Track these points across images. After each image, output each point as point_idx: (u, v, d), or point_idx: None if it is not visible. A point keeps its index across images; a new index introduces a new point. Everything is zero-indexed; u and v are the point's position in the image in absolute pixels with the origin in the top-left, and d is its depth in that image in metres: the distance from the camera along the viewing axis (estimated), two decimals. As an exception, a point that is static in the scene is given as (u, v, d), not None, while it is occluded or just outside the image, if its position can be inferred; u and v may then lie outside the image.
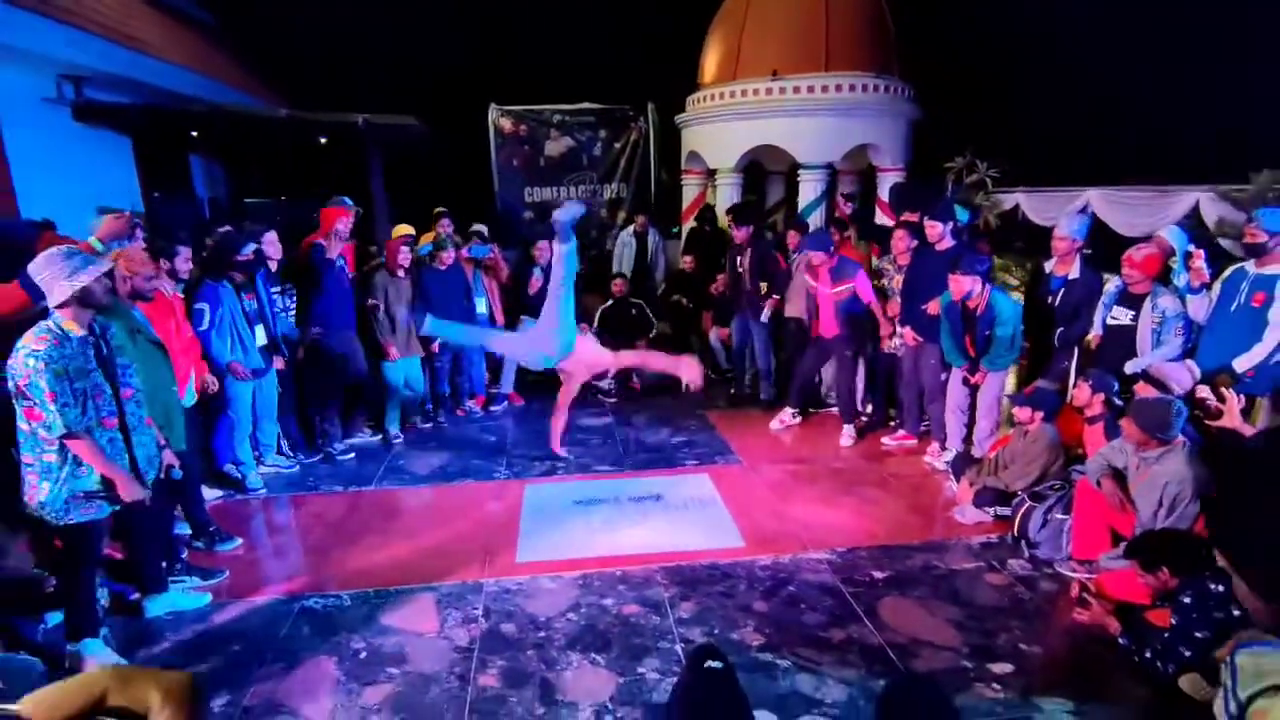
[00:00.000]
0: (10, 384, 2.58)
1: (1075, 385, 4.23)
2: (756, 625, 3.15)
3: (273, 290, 4.77)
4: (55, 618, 2.92)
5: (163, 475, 3.09)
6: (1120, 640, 2.89)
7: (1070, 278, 4.58)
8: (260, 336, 4.42)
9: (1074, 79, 8.63)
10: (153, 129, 7.42)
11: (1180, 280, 4.26)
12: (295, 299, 5.06)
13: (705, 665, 1.63)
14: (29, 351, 2.52)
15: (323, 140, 7.74)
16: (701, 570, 3.61)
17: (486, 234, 6.51)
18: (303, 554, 3.84)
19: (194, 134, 7.67)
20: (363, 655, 2.96)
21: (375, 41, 10.93)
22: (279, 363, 4.76)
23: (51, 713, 0.33)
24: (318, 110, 7.89)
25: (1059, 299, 4.62)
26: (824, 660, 2.91)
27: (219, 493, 4.48)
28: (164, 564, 3.33)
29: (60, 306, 2.61)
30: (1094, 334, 4.44)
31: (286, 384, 4.91)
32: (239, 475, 4.55)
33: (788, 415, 5.76)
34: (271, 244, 4.75)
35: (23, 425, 2.63)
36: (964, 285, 4.40)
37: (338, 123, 7.32)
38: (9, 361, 2.56)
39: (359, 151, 7.66)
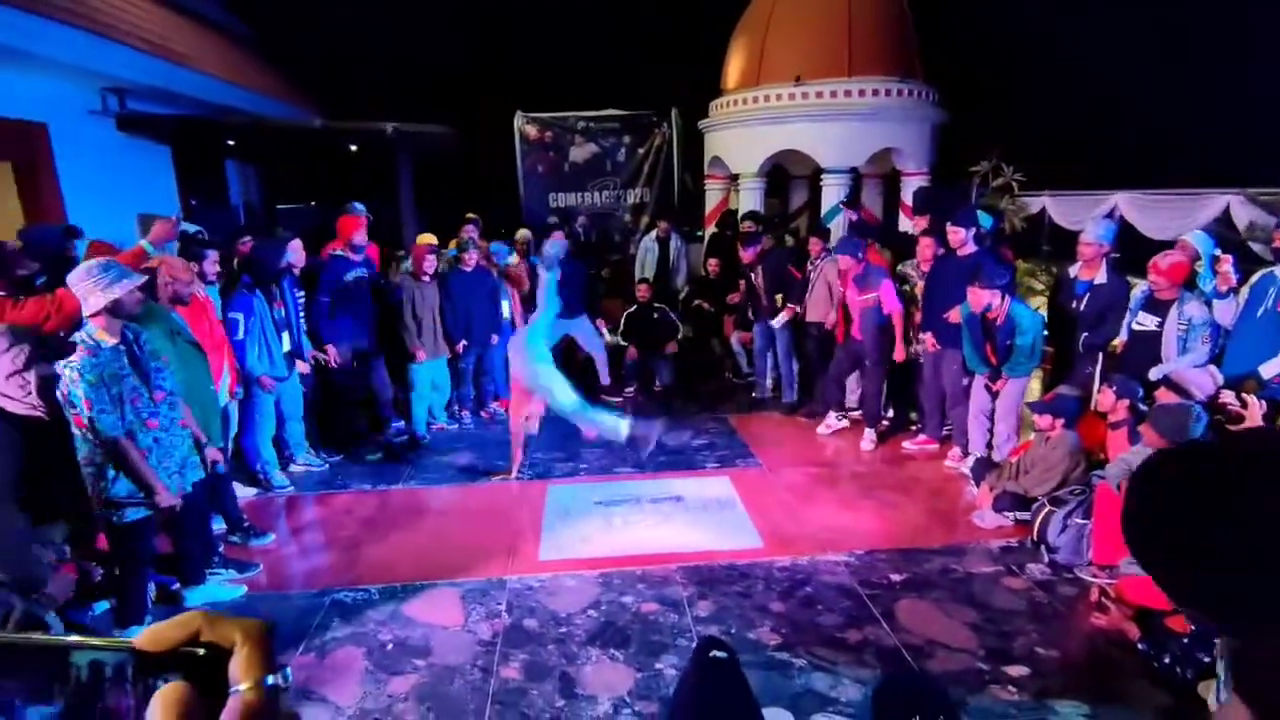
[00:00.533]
0: (59, 393, 2.71)
1: (1099, 391, 4.21)
2: (773, 625, 3.19)
3: (297, 296, 4.92)
4: (102, 605, 3.07)
5: (206, 472, 3.23)
6: (1139, 646, 2.88)
7: (1096, 282, 4.55)
8: (285, 343, 4.58)
9: (1102, 81, 8.54)
10: (191, 138, 7.70)
11: (1207, 285, 4.22)
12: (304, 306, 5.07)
13: (710, 655, 1.68)
14: (65, 362, 2.69)
15: (353, 148, 7.95)
16: (720, 570, 3.66)
17: (525, 239, 6.65)
18: (333, 549, 3.97)
19: (230, 142, 7.92)
20: (390, 647, 3.07)
21: (404, 51, 11.18)
22: (303, 367, 4.90)
23: (157, 642, 0.39)
24: (349, 118, 8.12)
25: (1084, 304, 4.59)
26: (840, 660, 2.94)
27: (253, 491, 4.64)
28: (202, 558, 3.48)
29: (93, 315, 2.76)
30: (1120, 339, 4.42)
31: (314, 387, 5.08)
32: (264, 474, 4.70)
33: (833, 420, 5.73)
34: (296, 251, 4.87)
35: (75, 431, 2.78)
36: (983, 299, 4.38)
37: (368, 131, 7.52)
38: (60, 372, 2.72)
39: (388, 158, 7.86)
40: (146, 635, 0.46)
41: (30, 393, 2.33)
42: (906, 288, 5.32)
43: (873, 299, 5.20)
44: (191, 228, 4.28)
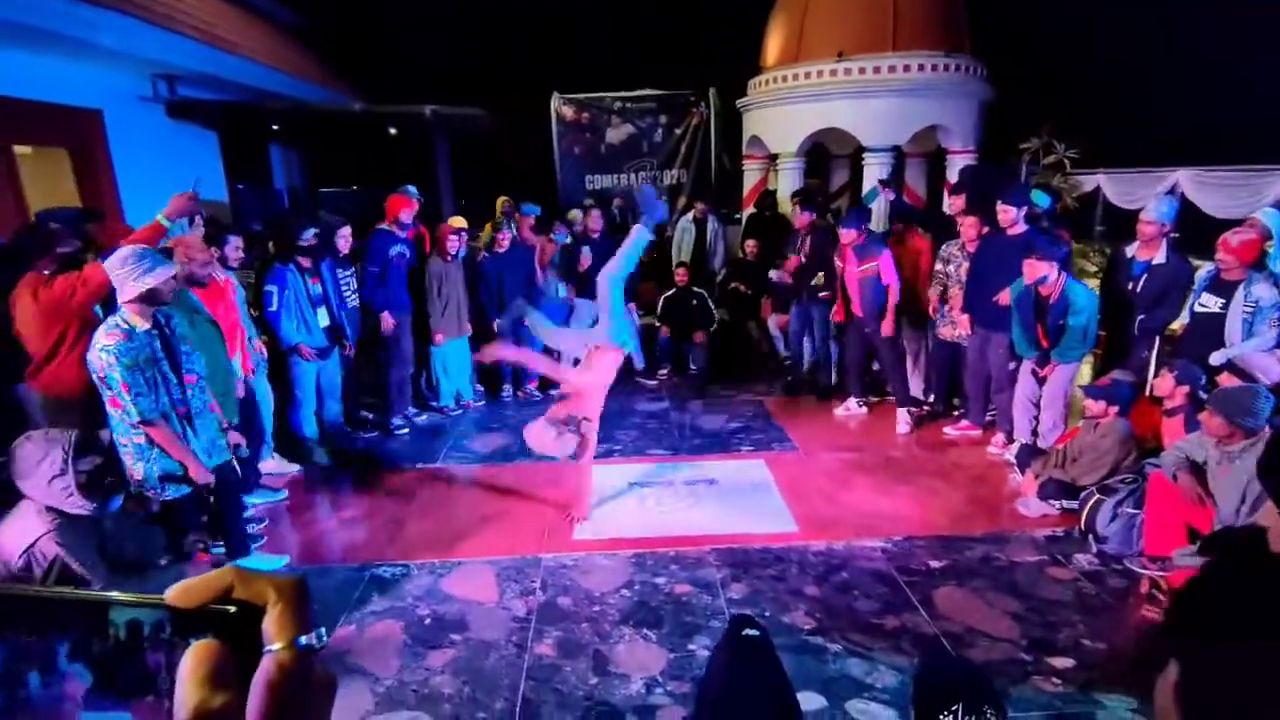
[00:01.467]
0: (93, 375, 2.82)
1: (1157, 375, 4.03)
2: (808, 609, 3.16)
3: (342, 276, 5.02)
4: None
5: (230, 455, 3.34)
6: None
7: (1155, 263, 4.35)
8: (323, 318, 4.66)
9: (1159, 54, 8.11)
10: (237, 123, 7.86)
11: (1276, 266, 3.99)
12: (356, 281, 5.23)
13: (743, 633, 1.66)
14: (102, 346, 2.75)
15: (393, 131, 8.03)
16: (754, 553, 3.63)
17: (575, 219, 6.64)
18: (373, 525, 4.05)
19: (275, 127, 8.07)
20: (427, 621, 3.13)
21: (444, 35, 11.22)
22: (348, 349, 5.05)
23: (187, 598, 0.39)
24: (388, 102, 8.19)
25: (1141, 285, 4.40)
26: (875, 646, 2.90)
27: (296, 468, 4.76)
28: (244, 532, 3.60)
29: (128, 302, 2.82)
30: (1179, 322, 4.22)
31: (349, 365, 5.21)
32: (308, 449, 4.83)
33: (853, 404, 5.68)
34: (344, 238, 5.00)
35: (112, 413, 2.89)
36: (1039, 269, 4.23)
37: (407, 114, 7.58)
38: (88, 355, 2.81)
39: (427, 141, 7.92)
40: (177, 591, 0.45)
41: (72, 493, 2.40)
42: (950, 268, 5.16)
43: (872, 269, 5.10)
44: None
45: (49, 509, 2.41)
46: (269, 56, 8.29)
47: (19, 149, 6.03)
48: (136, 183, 6.51)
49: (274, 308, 4.35)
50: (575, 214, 6.85)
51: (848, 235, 5.20)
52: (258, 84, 8.00)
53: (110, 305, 3.22)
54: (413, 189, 5.61)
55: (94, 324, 3.19)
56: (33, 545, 2.36)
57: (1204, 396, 3.58)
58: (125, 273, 2.77)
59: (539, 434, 3.70)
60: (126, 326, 2.81)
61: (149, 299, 2.83)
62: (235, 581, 0.46)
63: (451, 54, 11.13)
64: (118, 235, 3.55)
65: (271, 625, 0.45)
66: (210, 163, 8.13)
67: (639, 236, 4.07)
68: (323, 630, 0.47)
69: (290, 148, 9.70)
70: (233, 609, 0.46)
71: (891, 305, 5.14)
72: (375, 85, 10.59)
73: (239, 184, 8.30)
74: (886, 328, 5.17)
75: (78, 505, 2.44)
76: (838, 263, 5.41)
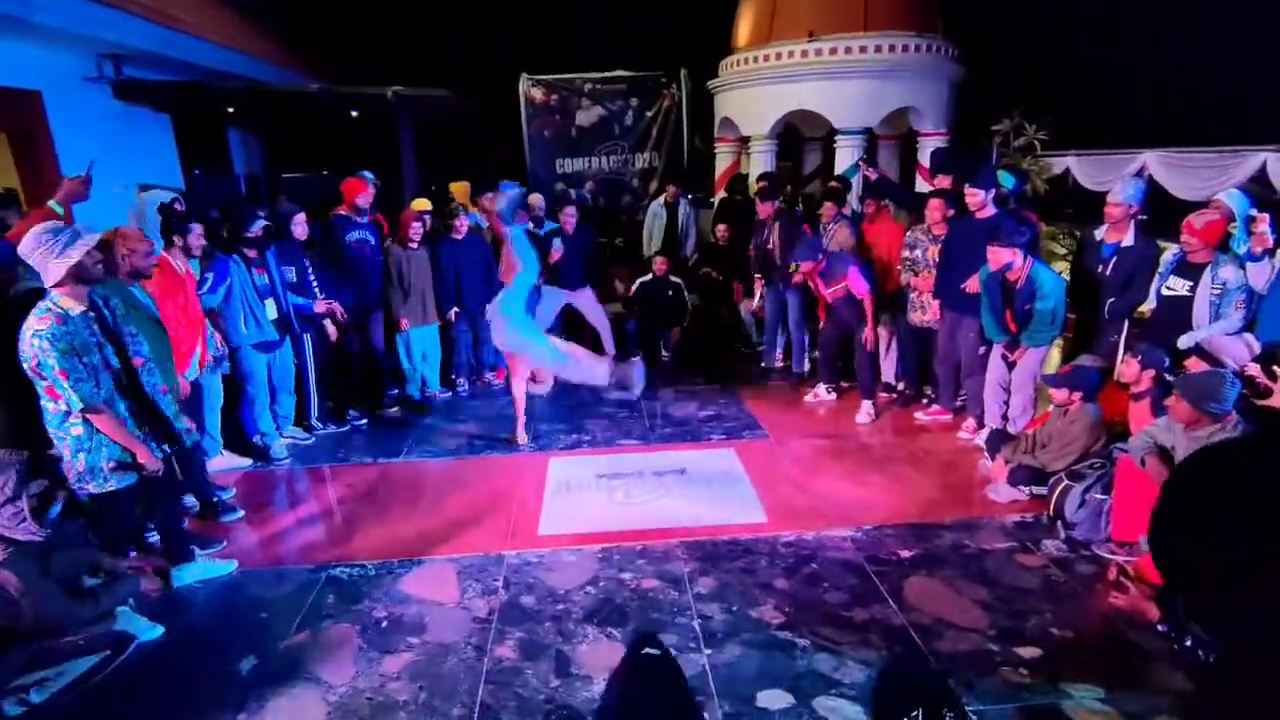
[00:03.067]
0: (24, 366, 2.63)
1: (1123, 360, 4.02)
2: (776, 603, 3.10)
3: (304, 264, 4.85)
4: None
5: (181, 442, 3.16)
6: (1159, 627, 2.76)
7: (1123, 245, 4.33)
8: (271, 310, 4.49)
9: (1129, 35, 8.10)
10: (190, 105, 7.55)
11: (1241, 247, 3.98)
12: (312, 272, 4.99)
13: (642, 652, 1.57)
14: (34, 332, 2.56)
15: (354, 114, 7.77)
16: (722, 545, 3.57)
17: (536, 204, 6.49)
18: (330, 523, 3.92)
19: (230, 110, 7.77)
20: (384, 624, 3.02)
21: (407, 13, 10.88)
22: (332, 333, 4.97)
23: None
24: (350, 84, 7.92)
25: (1110, 268, 4.38)
26: (844, 640, 2.85)
27: (248, 462, 4.61)
28: (185, 534, 3.45)
29: (56, 285, 2.63)
30: (1147, 305, 4.20)
31: (317, 357, 5.02)
32: (264, 445, 4.67)
33: (821, 390, 5.64)
34: (300, 225, 4.82)
35: (47, 405, 2.70)
36: (1003, 257, 4.20)
37: (369, 96, 7.34)
38: (20, 345, 2.61)
39: (391, 124, 7.67)
40: None
41: (25, 519, 2.28)
42: (917, 253, 5.11)
43: (841, 289, 5.06)
44: (165, 196, 4.13)
45: None
46: (222, 35, 7.96)
47: (-49, 133, 5.73)
48: (81, 167, 6.23)
49: (204, 290, 4.12)
50: (536, 198, 6.68)
51: (806, 267, 5.16)
52: (211, 64, 7.68)
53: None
54: (368, 174, 5.41)
55: None
56: None
57: (1170, 380, 3.56)
58: (43, 252, 2.58)
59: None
60: (60, 310, 2.62)
61: (78, 277, 2.64)
62: None
63: (415, 34, 10.81)
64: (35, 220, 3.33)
65: None
66: (164, 147, 7.83)
67: (513, 236, 4.44)
68: None
69: (249, 131, 9.36)
70: None
71: (869, 316, 5.06)
72: (338, 68, 10.27)
73: (195, 169, 8.00)
74: (868, 336, 5.10)
75: (29, 531, 2.29)
76: (810, 282, 5.35)
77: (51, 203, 3.09)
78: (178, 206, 4.70)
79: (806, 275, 5.27)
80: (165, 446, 3.09)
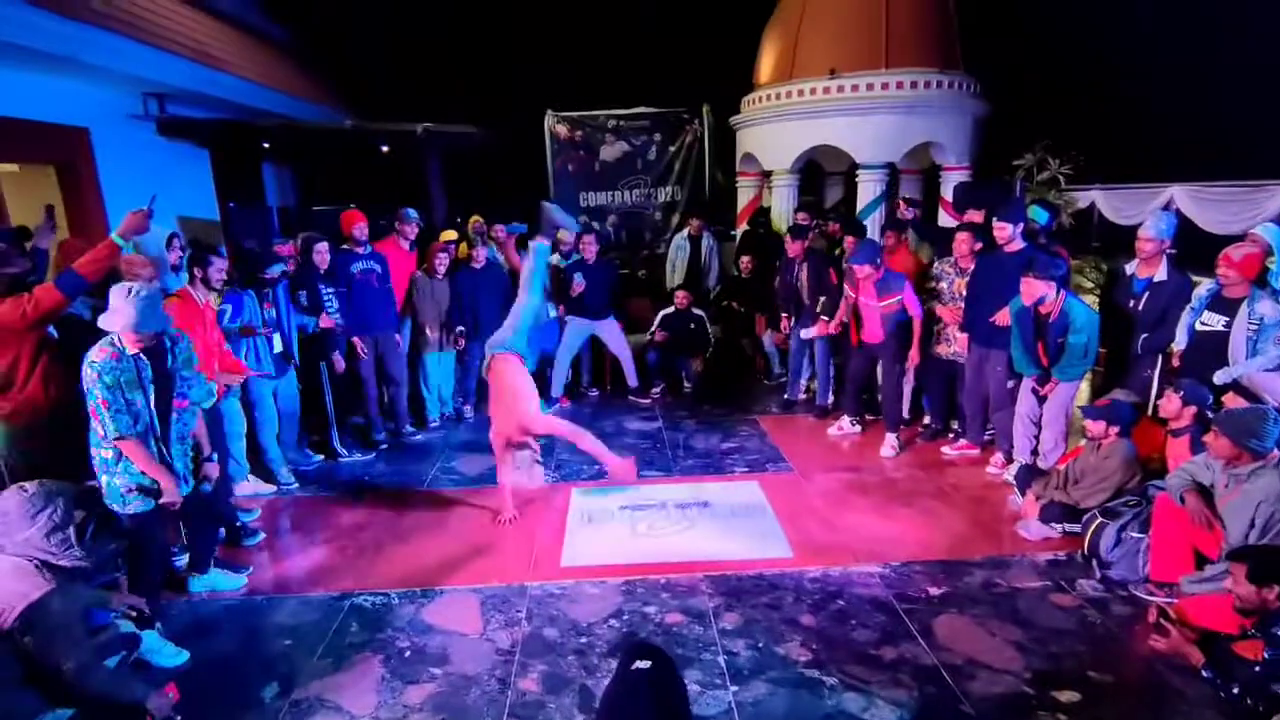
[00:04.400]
0: (83, 383, 2.84)
1: (1162, 396, 3.93)
2: (803, 640, 3.04)
3: (319, 287, 4.98)
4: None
5: (196, 483, 3.25)
6: (1204, 673, 2.66)
7: (1156, 280, 4.27)
8: (276, 344, 4.60)
9: (1154, 68, 8.10)
10: (228, 141, 7.82)
11: (1278, 282, 3.92)
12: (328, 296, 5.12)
13: (633, 667, 1.49)
14: (89, 361, 2.79)
15: (385, 149, 7.99)
16: (747, 580, 3.51)
17: (563, 238, 6.61)
18: (354, 552, 3.92)
19: (266, 145, 8.03)
20: (407, 654, 3.00)
21: (437, 52, 11.23)
22: (339, 364, 5.05)
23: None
24: (381, 120, 8.16)
25: (1143, 303, 4.32)
26: (874, 679, 2.78)
27: (272, 489, 4.68)
28: (209, 550, 3.53)
29: (122, 330, 2.84)
30: (1179, 342, 4.13)
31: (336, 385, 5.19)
32: (272, 471, 4.75)
33: (846, 423, 5.59)
34: (321, 254, 4.96)
35: (93, 422, 2.87)
36: (1037, 289, 4.14)
37: (399, 132, 7.55)
38: (83, 369, 2.83)
39: (419, 159, 7.88)
40: None
41: (71, 545, 2.35)
42: (943, 285, 5.09)
43: (895, 304, 5.00)
44: (164, 232, 4.30)
45: (42, 563, 2.30)
46: (261, 74, 8.27)
47: (3, 166, 5.97)
48: (125, 200, 6.41)
49: (225, 323, 4.26)
50: (563, 234, 6.78)
51: (863, 270, 5.00)
52: (249, 102, 7.97)
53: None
54: (412, 212, 5.65)
55: (51, 345, 3.12)
56: (38, 603, 2.25)
57: (1210, 417, 3.48)
58: (127, 307, 2.80)
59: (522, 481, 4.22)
60: (118, 347, 2.84)
61: (139, 329, 2.86)
62: None
63: (445, 71, 11.13)
64: (74, 254, 3.45)
65: None
66: (202, 181, 8.09)
67: (537, 250, 4.47)
68: None
69: (282, 166, 9.66)
70: None
71: (916, 337, 5.01)
72: (368, 104, 10.58)
73: (230, 202, 8.24)
74: (914, 358, 5.05)
75: (74, 558, 2.35)
76: (849, 291, 5.29)
77: (114, 236, 3.21)
78: (176, 242, 4.84)
79: (860, 283, 5.08)
80: (192, 481, 3.21)
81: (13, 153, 5.94)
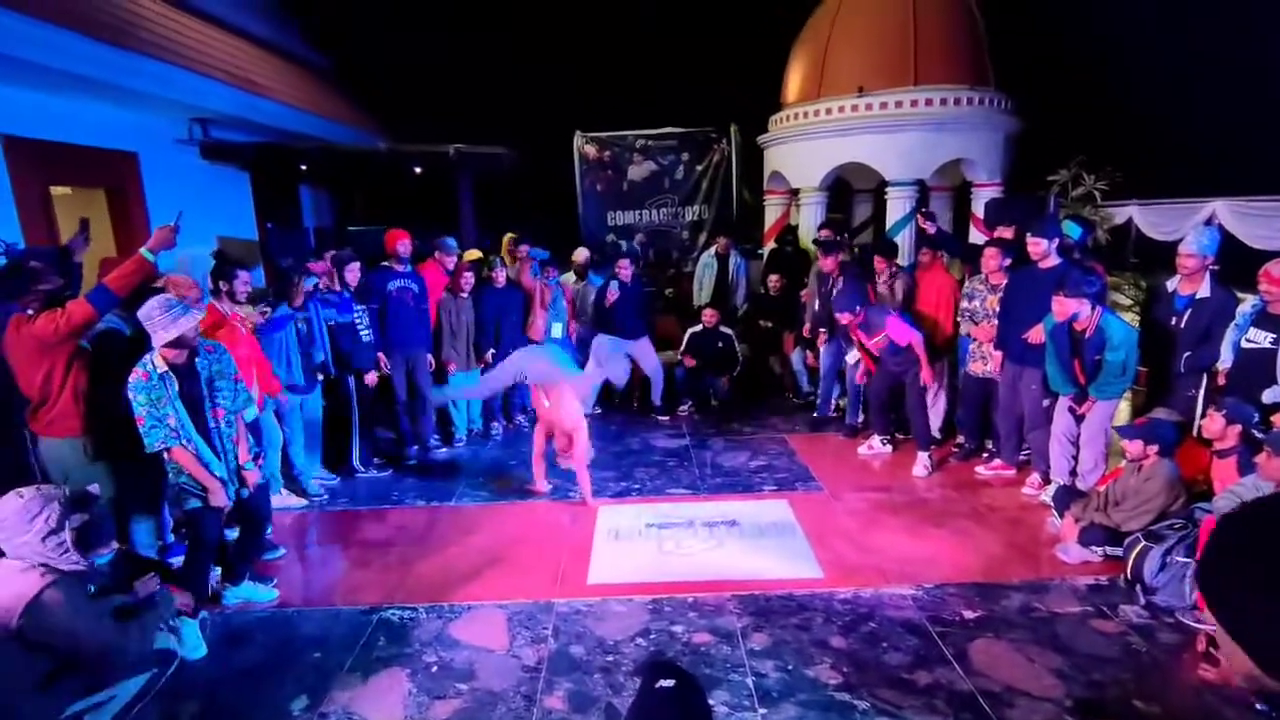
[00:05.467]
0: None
1: (1205, 415, 3.81)
2: (834, 662, 2.98)
3: (357, 311, 5.09)
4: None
5: (240, 491, 3.40)
6: (1258, 706, 2.54)
7: (1198, 297, 4.16)
8: (316, 354, 4.74)
9: (1191, 80, 7.94)
10: (268, 164, 8.06)
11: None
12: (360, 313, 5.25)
13: (656, 686, 1.46)
14: (128, 382, 3.01)
15: (418, 170, 8.16)
16: (776, 600, 3.46)
17: (582, 259, 6.71)
18: (384, 565, 3.95)
19: (303, 167, 8.26)
20: (434, 669, 3.01)
21: (469, 76, 11.48)
22: (372, 378, 5.18)
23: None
24: (414, 141, 8.34)
25: (1185, 320, 4.20)
26: (906, 704, 2.71)
27: (304, 502, 4.77)
28: (246, 562, 3.62)
29: (163, 346, 3.04)
30: (1224, 360, 4.00)
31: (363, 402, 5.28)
32: (300, 484, 4.86)
33: (876, 442, 5.50)
34: (352, 271, 5.10)
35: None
36: (1069, 307, 4.07)
37: (431, 153, 7.71)
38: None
39: (451, 179, 8.03)
40: None
41: (68, 549, 2.42)
42: (975, 303, 5.01)
43: (882, 340, 5.01)
44: (204, 255, 4.43)
45: (41, 565, 2.37)
46: (299, 99, 8.53)
47: (56, 190, 6.21)
48: (169, 220, 6.66)
49: (265, 331, 4.42)
50: (581, 254, 6.89)
51: (844, 318, 5.16)
52: (288, 126, 8.21)
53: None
54: (452, 242, 5.80)
55: (83, 358, 3.23)
56: (36, 598, 2.31)
57: (1260, 436, 3.36)
58: (157, 321, 3.00)
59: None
60: (150, 367, 3.04)
61: (178, 344, 3.07)
62: None
63: (476, 93, 11.36)
64: (110, 268, 3.56)
65: None
66: (242, 202, 8.33)
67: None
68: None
69: (319, 187, 9.91)
70: None
71: (922, 358, 4.97)
72: (402, 126, 10.83)
73: (269, 223, 8.47)
74: (926, 377, 5.01)
75: (71, 561, 2.41)
76: (853, 335, 5.33)
77: (143, 251, 3.30)
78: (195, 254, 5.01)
79: (850, 327, 5.23)
80: (238, 488, 3.40)
81: (67, 177, 6.19)
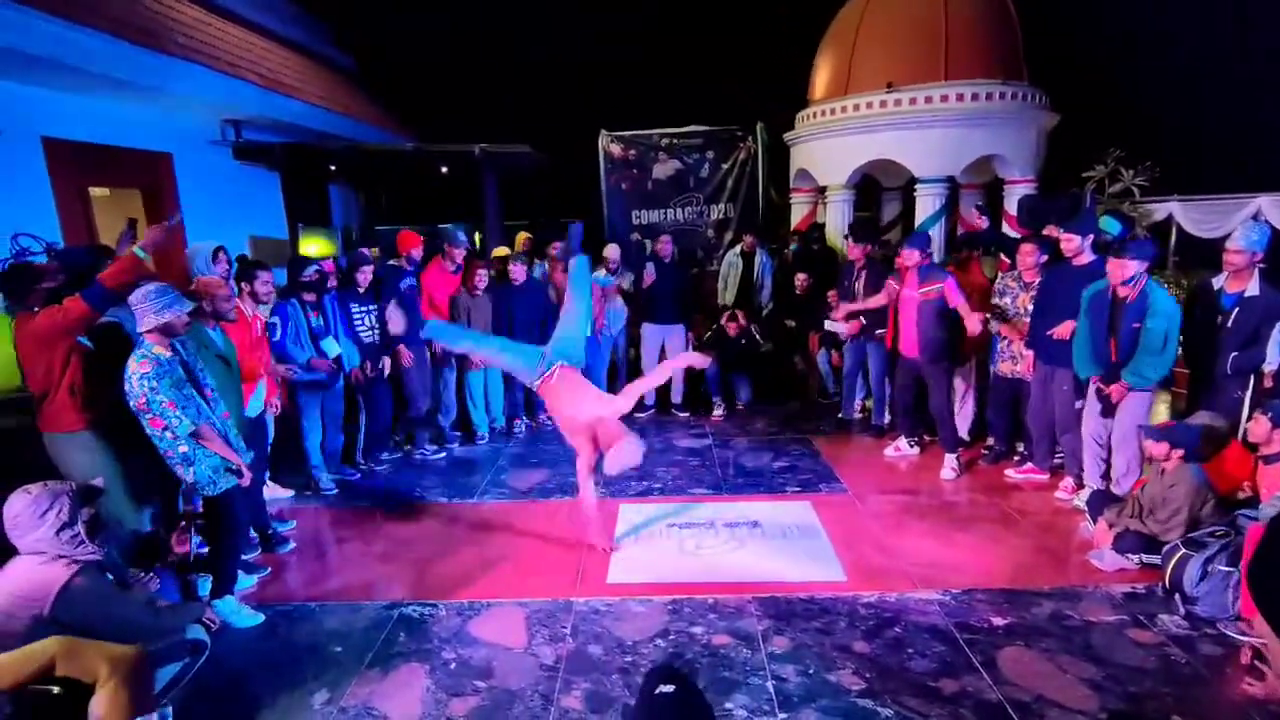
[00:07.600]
0: (130, 404, 3.00)
1: (1251, 418, 3.65)
2: (856, 667, 2.91)
3: (364, 309, 5.10)
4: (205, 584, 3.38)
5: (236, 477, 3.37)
6: (1305, 722, 2.42)
7: (1246, 295, 3.99)
8: (333, 348, 4.75)
9: (1231, 73, 7.66)
10: (298, 164, 8.19)
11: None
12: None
13: (657, 691, 1.42)
14: (140, 375, 2.96)
15: (444, 169, 8.23)
16: (798, 603, 3.40)
17: (611, 256, 6.68)
18: (405, 562, 3.97)
19: (332, 167, 8.38)
20: (453, 666, 3.00)
21: (494, 76, 11.56)
22: (386, 364, 5.20)
23: (2, 679, 0.32)
24: (440, 141, 8.41)
25: (1232, 319, 4.02)
26: (932, 713, 2.63)
27: (290, 494, 4.87)
28: (232, 570, 3.49)
29: (146, 332, 3.04)
30: (1272, 361, 3.83)
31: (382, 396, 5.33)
32: (315, 478, 4.93)
33: (903, 444, 5.40)
34: (364, 273, 5.12)
35: (154, 433, 3.05)
36: (1129, 269, 3.89)
37: (457, 152, 7.77)
38: (125, 387, 2.99)
39: (476, 178, 8.09)
40: None
41: (83, 541, 2.45)
42: (1006, 300, 4.89)
43: (934, 291, 4.79)
44: (209, 247, 4.35)
45: (61, 556, 2.41)
46: (328, 100, 8.65)
47: (96, 190, 6.38)
48: (203, 221, 6.80)
49: (276, 338, 4.45)
50: (612, 250, 6.84)
51: (910, 256, 4.88)
52: (317, 126, 8.34)
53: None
54: (461, 235, 5.84)
55: (80, 354, 3.25)
56: (65, 586, 2.35)
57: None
58: (145, 306, 3.01)
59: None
60: (153, 355, 3.02)
61: (165, 331, 3.07)
62: (59, 655, 0.35)
63: (502, 91, 11.43)
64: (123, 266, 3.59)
65: (101, 706, 0.33)
66: (273, 202, 8.48)
67: (577, 265, 4.52)
68: (168, 710, 0.36)
69: (347, 187, 10.05)
70: (56, 689, 0.34)
71: (966, 315, 4.67)
72: (428, 126, 10.94)
73: (299, 222, 8.61)
74: (973, 327, 4.63)
75: (88, 552, 2.46)
76: (892, 285, 5.15)
77: (136, 249, 3.31)
78: (224, 256, 4.91)
79: (904, 269, 4.97)
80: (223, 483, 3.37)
81: (105, 178, 6.36)
